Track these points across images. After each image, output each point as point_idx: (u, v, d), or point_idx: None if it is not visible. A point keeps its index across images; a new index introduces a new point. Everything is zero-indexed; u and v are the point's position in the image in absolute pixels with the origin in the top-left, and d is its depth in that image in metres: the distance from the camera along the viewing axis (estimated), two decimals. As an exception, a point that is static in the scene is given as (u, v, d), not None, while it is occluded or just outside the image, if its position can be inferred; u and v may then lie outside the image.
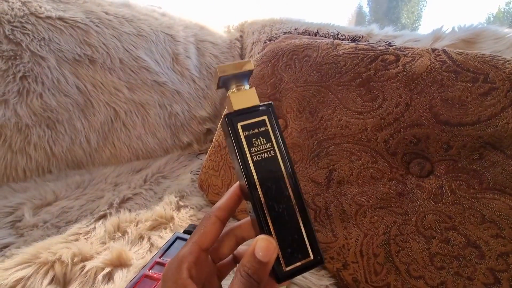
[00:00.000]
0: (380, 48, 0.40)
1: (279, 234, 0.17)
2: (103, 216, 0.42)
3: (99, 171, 0.56)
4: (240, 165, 0.18)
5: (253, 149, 0.18)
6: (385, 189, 0.32)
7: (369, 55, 0.39)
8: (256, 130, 0.18)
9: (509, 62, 0.31)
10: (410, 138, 0.33)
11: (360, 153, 0.35)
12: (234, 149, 0.18)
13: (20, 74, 0.51)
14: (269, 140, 0.18)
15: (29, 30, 0.53)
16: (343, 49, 0.42)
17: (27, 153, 0.52)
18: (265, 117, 0.19)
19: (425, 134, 0.32)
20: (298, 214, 0.18)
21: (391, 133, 0.34)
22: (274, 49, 0.51)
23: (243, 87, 0.19)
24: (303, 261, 0.17)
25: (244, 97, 0.19)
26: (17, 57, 0.51)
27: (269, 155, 0.18)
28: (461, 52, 0.34)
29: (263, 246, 0.16)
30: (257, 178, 0.17)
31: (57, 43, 0.56)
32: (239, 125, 0.18)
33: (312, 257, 0.17)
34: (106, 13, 0.66)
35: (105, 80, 0.62)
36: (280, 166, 0.18)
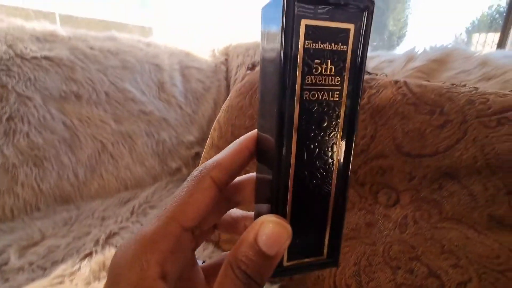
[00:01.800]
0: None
1: (296, 218, 0.12)
2: (89, 254, 0.43)
3: (87, 205, 0.57)
4: (276, 98, 0.11)
5: (309, 79, 0.11)
6: (355, 219, 0.34)
7: (337, 88, 0.41)
8: (325, 46, 0.11)
9: (462, 94, 0.33)
10: (377, 169, 0.34)
11: (332, 184, 0.37)
12: (272, 65, 0.11)
13: (6, 116, 0.53)
14: (341, 71, 0.11)
15: (15, 72, 0.55)
16: (313, 81, 0.45)
17: (15, 192, 0.52)
18: (352, 26, 0.11)
19: (389, 165, 0.34)
20: (332, 198, 0.12)
21: (359, 164, 0.35)
22: (252, 80, 0.53)
23: None
24: (312, 259, 0.13)
25: None
26: (3, 99, 0.53)
27: (331, 99, 0.11)
28: (421, 84, 0.36)
29: (272, 232, 0.11)
30: (298, 129, 0.11)
31: (43, 82, 0.58)
32: (303, 22, 0.10)
33: (325, 256, 0.13)
34: (91, 48, 0.68)
35: (91, 114, 0.63)
36: (339, 122, 0.12)
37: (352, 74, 0.11)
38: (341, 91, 0.11)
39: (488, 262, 0.26)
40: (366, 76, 0.42)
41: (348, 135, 0.12)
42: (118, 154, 0.66)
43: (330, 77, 0.11)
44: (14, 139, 0.53)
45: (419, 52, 0.67)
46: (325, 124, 0.11)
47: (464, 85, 0.37)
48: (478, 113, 0.30)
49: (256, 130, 0.13)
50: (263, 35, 0.12)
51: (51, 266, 0.41)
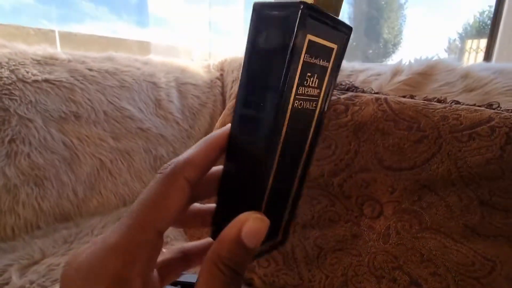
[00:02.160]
0: (332, 98, 0.44)
1: (267, 211, 0.13)
2: (88, 272, 0.44)
3: (86, 222, 0.58)
4: (274, 102, 0.11)
5: (300, 89, 0.12)
6: (342, 232, 0.35)
7: (323, 106, 0.44)
8: (316, 61, 0.12)
9: (437, 110, 0.36)
10: (361, 182, 0.36)
11: (319, 197, 0.39)
12: (274, 71, 0.11)
13: (8, 138, 0.55)
14: (321, 84, 0.12)
15: (16, 95, 0.57)
16: (301, 99, 0.47)
17: (16, 212, 0.54)
18: (336, 47, 0.12)
19: (373, 178, 0.36)
20: (293, 192, 0.14)
21: (344, 178, 0.37)
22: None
23: None
24: (271, 242, 0.15)
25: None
26: (5, 122, 0.55)
27: (310, 107, 0.13)
28: (399, 101, 0.39)
29: (256, 228, 0.12)
30: (285, 135, 0.12)
31: (44, 104, 0.61)
32: (308, 37, 0.11)
33: (280, 237, 0.15)
34: (90, 70, 0.71)
35: (90, 133, 0.65)
36: (311, 128, 0.13)
37: (327, 87, 0.13)
38: (317, 102, 0.13)
39: (464, 269, 0.28)
40: (350, 93, 0.45)
41: (315, 141, 0.13)
42: (116, 171, 0.68)
43: (313, 89, 0.12)
44: (15, 160, 0.55)
45: (405, 65, 0.70)
46: (303, 131, 0.13)
47: (441, 101, 0.39)
48: (451, 129, 0.33)
49: (227, 126, 0.14)
50: (255, 31, 0.12)
51: (52, 285, 0.42)
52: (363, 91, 0.50)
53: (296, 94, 0.12)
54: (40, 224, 0.57)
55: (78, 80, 0.67)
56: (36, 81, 0.61)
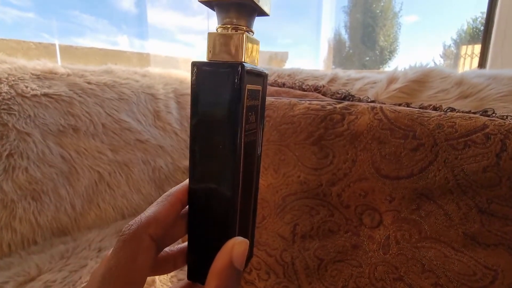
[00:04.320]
0: (329, 107, 0.45)
1: (240, 232, 0.15)
2: (85, 288, 0.43)
3: (84, 236, 0.58)
4: (231, 144, 0.13)
5: (247, 126, 0.14)
6: (342, 242, 0.35)
7: (319, 115, 0.44)
8: (252, 102, 0.15)
9: (432, 119, 0.36)
10: (359, 191, 0.36)
11: (318, 208, 0.38)
12: (228, 120, 0.13)
13: (6, 153, 0.55)
14: (256, 117, 0.15)
15: (15, 110, 0.58)
16: (298, 109, 0.47)
17: (12, 227, 0.53)
18: (260, 88, 0.15)
19: (371, 188, 0.36)
20: (252, 211, 0.16)
21: (342, 188, 0.37)
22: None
23: (252, 33, 0.14)
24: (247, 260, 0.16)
25: (254, 49, 0.14)
26: (4, 136, 0.55)
27: (253, 138, 0.15)
28: (395, 110, 0.39)
29: (242, 250, 0.13)
30: (242, 165, 0.14)
31: (42, 118, 0.61)
32: (247, 87, 0.13)
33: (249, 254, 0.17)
34: (89, 83, 0.71)
35: (88, 145, 0.65)
36: (256, 153, 0.16)
37: (259, 118, 0.16)
38: (256, 132, 0.16)
39: (465, 279, 0.27)
40: (346, 102, 0.45)
41: (259, 165, 0.16)
42: (115, 183, 0.68)
43: (253, 124, 0.15)
44: (13, 175, 0.55)
45: (400, 73, 0.71)
46: (252, 158, 0.15)
47: (437, 108, 0.39)
48: (446, 136, 0.33)
49: (186, 181, 0.16)
50: (199, 90, 0.14)
51: (48, 302, 0.41)
52: (360, 100, 0.51)
53: (246, 130, 0.14)
54: (37, 239, 0.56)
55: (77, 94, 0.67)
56: (35, 95, 0.61)
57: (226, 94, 0.13)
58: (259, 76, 0.15)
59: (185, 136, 0.87)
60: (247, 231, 0.16)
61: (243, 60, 0.13)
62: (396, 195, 0.34)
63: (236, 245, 0.13)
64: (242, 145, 0.14)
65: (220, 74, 0.13)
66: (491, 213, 0.28)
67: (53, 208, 0.58)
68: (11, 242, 0.53)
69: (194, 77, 0.14)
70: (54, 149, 0.61)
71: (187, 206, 0.15)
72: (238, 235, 0.14)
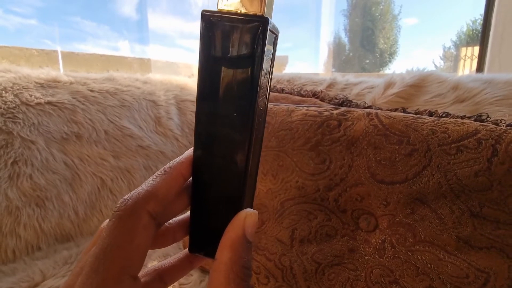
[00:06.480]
0: (326, 113, 0.46)
1: (246, 202, 0.14)
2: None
3: (87, 242, 0.59)
4: (246, 108, 0.12)
5: (261, 91, 0.13)
6: (339, 246, 0.36)
7: (317, 121, 0.45)
8: (266, 64, 0.13)
9: (426, 124, 0.37)
10: (355, 196, 0.37)
11: (316, 212, 0.39)
12: (247, 81, 0.12)
13: (11, 160, 0.56)
14: (267, 83, 0.13)
15: (20, 118, 0.59)
16: (296, 115, 0.48)
17: (17, 233, 0.54)
18: (272, 49, 0.13)
19: (366, 192, 0.36)
20: (253, 185, 0.15)
21: (339, 193, 0.38)
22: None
23: None
24: None
25: (270, 1, 0.12)
26: (9, 145, 0.57)
27: (263, 105, 0.14)
28: (390, 116, 0.40)
29: (253, 221, 0.12)
30: (255, 135, 0.13)
31: (46, 126, 0.62)
32: (266, 46, 0.12)
33: None
34: (91, 91, 0.73)
35: (91, 152, 0.67)
36: (265, 121, 0.15)
37: (269, 84, 0.14)
38: (266, 98, 0.14)
39: (458, 282, 0.28)
40: (343, 108, 0.46)
41: (263, 128, 0.15)
42: (117, 189, 0.69)
43: (265, 89, 0.14)
44: (18, 182, 0.56)
45: (397, 78, 0.72)
46: (261, 125, 0.14)
47: (432, 113, 0.40)
48: (439, 142, 0.34)
49: (189, 151, 0.14)
50: (211, 41, 0.12)
51: (52, 307, 0.42)
52: (357, 105, 0.52)
53: (259, 94, 0.12)
54: (40, 245, 0.57)
55: (79, 101, 0.69)
56: (39, 103, 0.63)
57: (242, 50, 0.11)
58: (273, 34, 0.13)
59: (186, 142, 0.88)
60: (252, 200, 0.15)
61: (261, 12, 0.11)
62: (391, 200, 0.35)
63: (248, 216, 0.12)
64: (256, 111, 0.12)
65: (238, 28, 0.11)
66: (483, 216, 0.29)
67: (57, 214, 0.59)
68: (16, 248, 0.54)
69: (206, 30, 0.12)
70: (57, 156, 0.62)
71: (190, 179, 0.14)
72: (245, 206, 0.13)
